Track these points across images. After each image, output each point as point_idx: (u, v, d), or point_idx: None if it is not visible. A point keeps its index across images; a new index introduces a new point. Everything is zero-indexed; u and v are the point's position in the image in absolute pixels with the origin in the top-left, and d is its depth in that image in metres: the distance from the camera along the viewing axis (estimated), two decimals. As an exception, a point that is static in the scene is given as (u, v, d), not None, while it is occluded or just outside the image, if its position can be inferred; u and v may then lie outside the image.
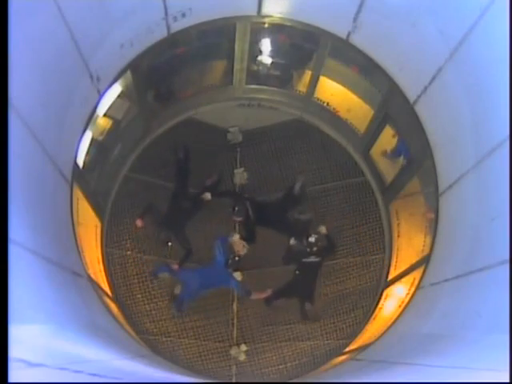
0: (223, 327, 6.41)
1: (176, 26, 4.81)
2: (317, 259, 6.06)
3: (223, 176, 6.82)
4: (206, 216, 6.48)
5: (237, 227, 6.57)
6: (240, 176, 6.86)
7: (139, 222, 6.23)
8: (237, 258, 5.98)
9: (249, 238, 6.37)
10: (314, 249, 5.99)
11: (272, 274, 6.45)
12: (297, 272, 6.17)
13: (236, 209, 6.31)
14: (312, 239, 5.99)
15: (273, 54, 6.16)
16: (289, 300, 6.34)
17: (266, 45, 6.02)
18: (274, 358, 6.41)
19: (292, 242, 6.19)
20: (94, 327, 3.97)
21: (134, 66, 4.99)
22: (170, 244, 6.42)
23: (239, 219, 6.39)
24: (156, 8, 4.41)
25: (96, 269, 5.54)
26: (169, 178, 6.58)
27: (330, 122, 6.62)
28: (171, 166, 6.57)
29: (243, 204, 6.35)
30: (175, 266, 6.26)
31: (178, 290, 6.22)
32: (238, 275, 6.36)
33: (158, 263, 6.33)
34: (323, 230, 6.19)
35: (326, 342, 6.38)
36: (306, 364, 6.36)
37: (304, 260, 6.05)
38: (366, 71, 5.61)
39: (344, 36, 4.90)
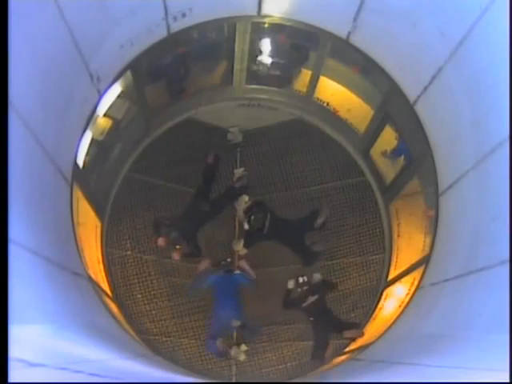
0: (223, 327, 6.40)
1: (176, 26, 4.81)
2: (315, 296, 6.06)
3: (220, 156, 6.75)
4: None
5: (236, 230, 6.60)
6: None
7: (161, 242, 6.20)
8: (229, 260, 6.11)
9: (249, 244, 6.41)
10: (305, 288, 6.03)
11: (276, 274, 6.46)
12: (311, 319, 6.15)
13: (252, 217, 6.33)
14: (301, 279, 6.04)
15: (273, 54, 6.15)
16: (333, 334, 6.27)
17: (265, 45, 6.02)
18: (274, 358, 6.40)
19: (290, 285, 6.17)
20: (93, 327, 3.98)
21: (134, 66, 4.99)
22: (178, 247, 6.34)
23: (252, 228, 6.40)
24: (156, 8, 4.41)
25: (96, 269, 5.53)
26: (169, 178, 6.59)
27: (330, 122, 6.62)
28: (172, 166, 6.58)
29: (263, 215, 6.34)
30: (176, 256, 6.26)
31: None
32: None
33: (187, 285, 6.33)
34: (318, 277, 6.25)
35: (331, 347, 6.36)
36: (306, 364, 6.35)
37: (304, 305, 6.06)
38: (366, 71, 5.61)
39: (344, 36, 4.90)
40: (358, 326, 6.20)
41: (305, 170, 6.88)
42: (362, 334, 5.99)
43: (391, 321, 5.20)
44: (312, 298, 6.04)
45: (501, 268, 3.06)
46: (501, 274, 3.02)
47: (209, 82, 6.46)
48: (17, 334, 2.16)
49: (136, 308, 6.27)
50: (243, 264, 6.31)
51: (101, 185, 5.79)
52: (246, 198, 6.63)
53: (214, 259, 6.33)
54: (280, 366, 6.40)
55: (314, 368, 6.22)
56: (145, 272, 6.37)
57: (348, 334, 6.09)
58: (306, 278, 6.06)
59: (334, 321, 6.18)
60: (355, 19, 4.53)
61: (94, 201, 5.43)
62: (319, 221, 6.40)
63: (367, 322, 6.25)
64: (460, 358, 2.95)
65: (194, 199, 6.41)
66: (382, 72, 4.98)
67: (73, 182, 4.48)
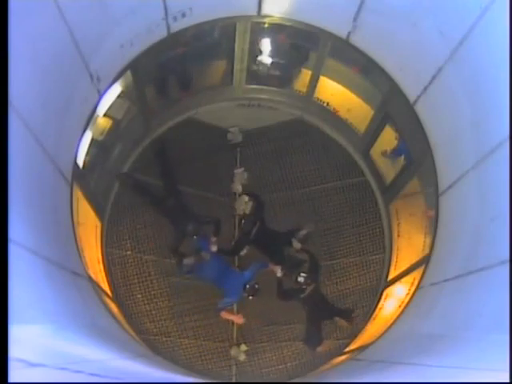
0: (223, 327, 6.40)
1: (176, 26, 4.81)
2: (312, 286, 6.02)
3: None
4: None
5: (236, 230, 6.62)
6: (240, 176, 6.86)
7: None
8: (256, 286, 5.90)
9: (234, 250, 6.38)
10: (306, 284, 5.97)
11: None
12: (306, 307, 6.13)
13: (243, 221, 6.34)
14: (301, 279, 5.94)
15: (273, 54, 6.16)
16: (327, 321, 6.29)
17: (265, 45, 6.02)
18: (274, 358, 6.41)
19: (279, 273, 6.07)
20: (94, 327, 3.98)
21: (134, 66, 4.99)
22: (195, 237, 6.12)
23: (238, 231, 6.42)
24: (156, 8, 4.41)
25: (96, 269, 5.53)
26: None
27: (330, 122, 6.62)
28: (172, 166, 6.58)
29: (253, 222, 6.31)
30: (214, 239, 6.11)
31: (189, 261, 5.90)
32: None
33: (197, 240, 6.10)
34: (297, 245, 6.18)
35: (326, 341, 6.38)
36: (306, 364, 6.36)
37: (303, 296, 6.02)
38: (366, 71, 5.61)
39: (344, 36, 4.90)
40: (349, 313, 6.24)
41: (305, 170, 6.88)
42: (351, 323, 6.11)
43: (391, 321, 5.20)
44: (310, 288, 6.01)
45: (501, 268, 3.06)
46: (501, 274, 3.02)
47: (209, 82, 6.46)
48: (17, 333, 2.16)
49: (136, 308, 6.27)
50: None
51: (101, 185, 5.79)
52: (245, 198, 6.64)
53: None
54: (280, 366, 6.40)
55: (313, 368, 6.23)
56: (145, 272, 6.37)
57: (338, 321, 6.16)
58: (304, 275, 5.96)
59: (327, 307, 6.20)
60: (355, 19, 4.53)
61: (94, 201, 5.43)
62: (302, 233, 6.26)
63: (367, 322, 6.26)
64: (460, 358, 2.95)
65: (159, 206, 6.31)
66: (382, 72, 4.98)
67: (73, 182, 4.48)
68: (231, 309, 6.22)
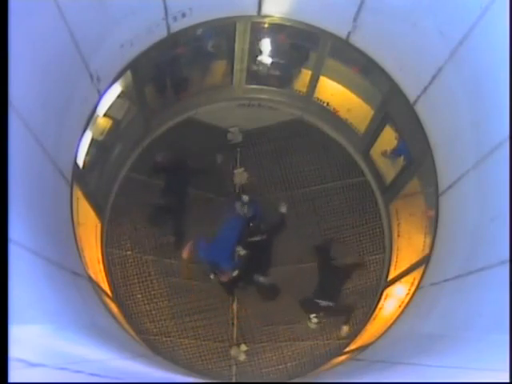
0: (223, 327, 6.41)
1: (176, 26, 4.81)
2: None
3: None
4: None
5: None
6: (240, 176, 6.86)
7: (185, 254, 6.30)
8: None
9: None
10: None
11: (277, 274, 6.46)
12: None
13: (251, 224, 6.44)
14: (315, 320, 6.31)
15: (273, 54, 6.16)
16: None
17: (265, 45, 6.02)
18: (274, 358, 6.41)
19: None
20: (94, 327, 3.98)
21: (134, 66, 4.99)
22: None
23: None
24: (156, 8, 4.41)
25: (96, 269, 5.54)
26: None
27: (330, 121, 6.62)
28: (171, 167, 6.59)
29: (261, 231, 6.39)
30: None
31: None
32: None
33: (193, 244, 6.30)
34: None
35: (326, 341, 6.39)
36: (306, 364, 6.36)
37: None
38: (366, 71, 5.61)
39: (344, 36, 4.90)
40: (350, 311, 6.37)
41: (305, 170, 6.89)
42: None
43: (391, 321, 5.19)
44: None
45: (501, 268, 3.06)
46: (501, 274, 3.02)
47: (209, 82, 6.46)
48: (17, 333, 2.16)
49: (136, 308, 6.28)
50: None
51: (101, 185, 5.79)
52: (246, 198, 6.64)
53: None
54: (280, 366, 6.40)
55: (313, 368, 6.24)
56: (145, 272, 6.38)
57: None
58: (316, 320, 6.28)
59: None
60: (355, 19, 4.53)
61: (93, 201, 5.42)
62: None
63: (367, 322, 6.26)
64: (460, 358, 2.95)
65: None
66: (382, 72, 4.98)
67: (73, 182, 4.48)
68: (191, 247, 6.29)
